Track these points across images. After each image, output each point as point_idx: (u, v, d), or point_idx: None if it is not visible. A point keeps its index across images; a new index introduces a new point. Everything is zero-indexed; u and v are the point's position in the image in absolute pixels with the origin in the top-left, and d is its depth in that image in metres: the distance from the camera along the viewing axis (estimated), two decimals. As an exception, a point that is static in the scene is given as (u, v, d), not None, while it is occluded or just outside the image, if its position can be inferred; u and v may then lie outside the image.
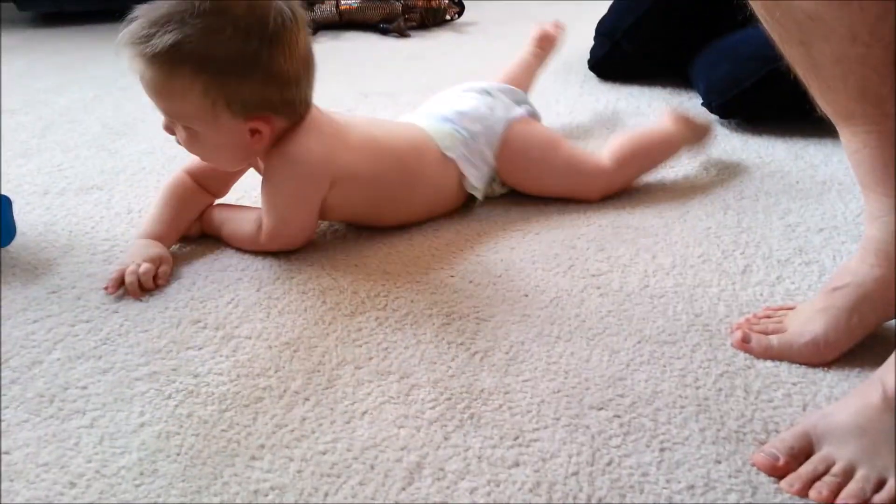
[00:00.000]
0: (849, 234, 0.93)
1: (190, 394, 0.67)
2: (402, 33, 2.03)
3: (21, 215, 0.98)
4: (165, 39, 0.77)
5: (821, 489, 0.56)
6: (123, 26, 0.79)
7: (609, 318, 0.77)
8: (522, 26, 2.12)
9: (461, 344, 0.73)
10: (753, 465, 0.59)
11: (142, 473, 0.59)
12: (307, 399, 0.66)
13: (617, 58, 1.52)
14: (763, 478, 0.58)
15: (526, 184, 1.03)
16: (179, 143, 0.86)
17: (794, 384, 0.68)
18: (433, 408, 0.65)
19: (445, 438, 0.62)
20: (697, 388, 0.67)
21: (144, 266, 0.83)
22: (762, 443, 0.61)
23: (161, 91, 0.80)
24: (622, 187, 1.04)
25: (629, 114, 1.37)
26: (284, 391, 0.67)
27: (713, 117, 1.31)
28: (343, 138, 0.89)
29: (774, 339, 0.71)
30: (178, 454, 0.60)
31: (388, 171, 0.92)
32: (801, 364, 0.70)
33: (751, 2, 0.65)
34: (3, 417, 0.65)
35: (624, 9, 1.50)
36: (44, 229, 0.97)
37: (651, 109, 1.38)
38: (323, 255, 0.90)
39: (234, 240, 0.91)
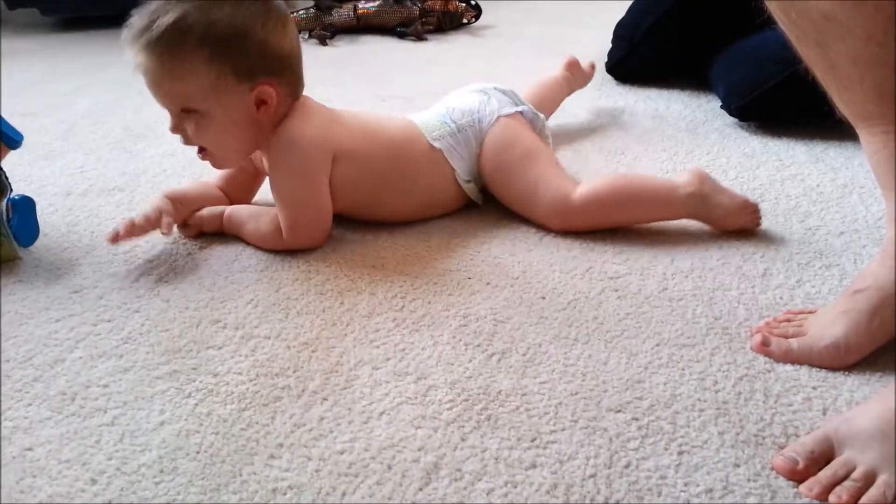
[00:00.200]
0: (870, 238, 0.92)
1: (209, 393, 0.68)
2: (419, 37, 2.03)
3: (44, 216, 0.99)
4: (166, 20, 0.81)
5: (841, 494, 0.56)
6: (123, 29, 0.84)
7: (627, 320, 0.77)
8: (539, 29, 2.14)
9: (478, 345, 0.74)
10: (772, 469, 0.59)
11: (162, 471, 0.59)
12: (325, 399, 0.67)
13: (635, 60, 1.51)
14: (782, 482, 0.58)
15: (495, 186, 0.99)
16: (188, 142, 0.88)
17: (814, 388, 0.67)
18: (450, 409, 0.65)
19: (462, 439, 0.62)
20: (716, 391, 0.67)
21: (139, 217, 0.88)
22: (781, 447, 0.61)
23: (167, 73, 0.83)
24: (588, 228, 0.93)
25: (647, 116, 1.36)
26: (303, 391, 0.68)
27: (732, 120, 1.31)
28: (337, 119, 0.94)
29: (794, 343, 0.71)
30: (197, 452, 0.61)
31: (382, 155, 0.94)
32: (821, 368, 0.70)
33: (767, 3, 0.65)
34: (26, 415, 0.65)
35: (642, 11, 1.49)
36: (66, 230, 0.98)
37: (669, 112, 1.38)
38: (340, 256, 0.90)
39: (256, 239, 0.92)
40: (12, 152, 0.90)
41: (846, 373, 0.69)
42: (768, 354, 0.71)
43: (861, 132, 0.67)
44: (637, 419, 0.64)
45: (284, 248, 0.90)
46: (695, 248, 0.91)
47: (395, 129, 0.98)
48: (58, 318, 0.79)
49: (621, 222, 0.95)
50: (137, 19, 0.83)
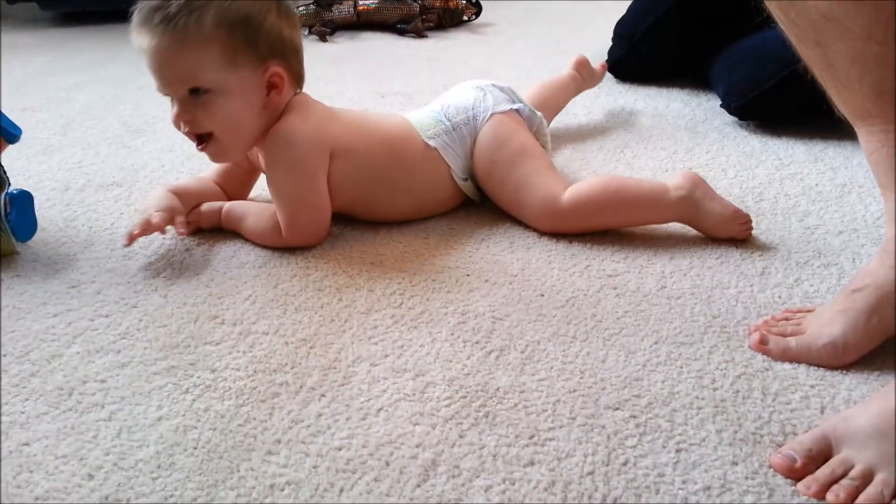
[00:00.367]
0: (868, 237, 0.92)
1: (207, 388, 0.67)
2: (419, 34, 2.03)
3: (42, 211, 0.99)
4: None
5: (838, 492, 0.56)
6: (133, 14, 0.84)
7: (626, 318, 0.77)
8: (539, 27, 2.14)
9: (476, 342, 0.73)
10: (770, 467, 0.59)
11: (159, 466, 0.59)
12: (323, 395, 0.67)
13: (635, 59, 1.51)
14: (780, 480, 0.58)
15: (487, 184, 0.98)
16: (192, 129, 0.87)
17: (812, 387, 0.67)
18: (448, 406, 0.65)
19: (460, 436, 0.62)
20: (715, 389, 0.67)
21: (157, 214, 0.88)
22: (779, 445, 0.61)
23: (182, 48, 0.83)
24: (578, 231, 0.93)
25: (647, 115, 1.36)
26: (300, 387, 0.68)
27: (732, 119, 1.31)
28: (333, 115, 0.94)
29: (793, 342, 0.71)
30: (195, 448, 0.61)
31: (379, 152, 0.94)
32: (819, 366, 0.70)
33: (766, 3, 0.65)
34: (22, 409, 0.65)
35: (642, 10, 1.49)
36: (64, 225, 0.98)
37: (669, 111, 1.38)
38: (339, 253, 0.90)
39: (254, 235, 0.92)
40: (11, 147, 0.90)
41: (844, 371, 0.69)
42: (766, 353, 0.71)
43: (860, 131, 0.67)
44: (635, 417, 0.64)
45: (283, 245, 0.90)
46: (693, 246, 0.91)
47: (391, 127, 0.98)
48: (55, 313, 0.79)
49: (611, 225, 0.94)
50: (149, 1, 0.84)
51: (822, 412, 0.64)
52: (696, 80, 1.48)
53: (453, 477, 0.58)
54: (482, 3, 2.20)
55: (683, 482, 0.57)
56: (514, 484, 0.57)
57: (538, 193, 0.93)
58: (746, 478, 0.58)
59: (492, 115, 0.98)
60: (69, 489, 0.57)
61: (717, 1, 1.38)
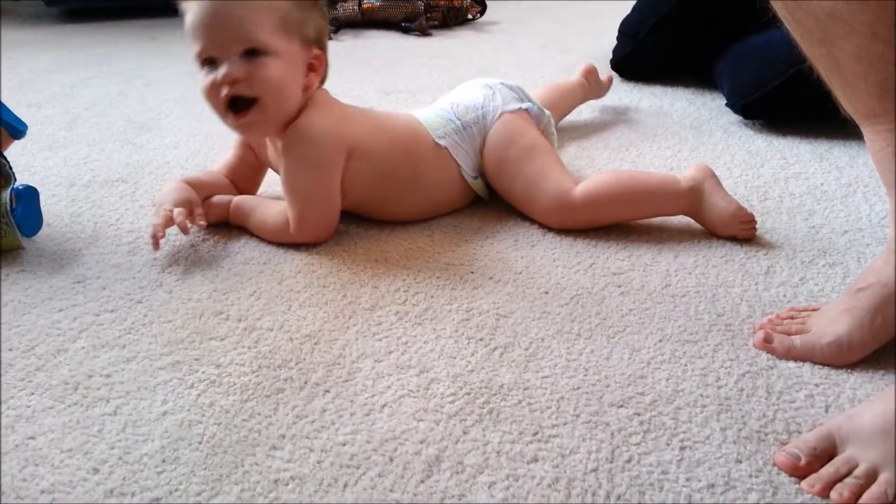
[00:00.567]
0: (873, 237, 0.92)
1: (212, 384, 0.68)
2: (423, 32, 2.03)
3: (47, 206, 0.99)
4: None
5: (842, 491, 0.56)
6: None
7: (630, 316, 0.77)
8: (544, 26, 2.14)
9: (481, 339, 0.74)
10: (775, 464, 0.59)
11: (164, 461, 0.59)
12: (327, 391, 0.67)
13: (639, 57, 1.51)
14: (784, 478, 0.58)
15: (497, 182, 0.98)
16: (234, 93, 0.84)
17: (816, 385, 0.67)
18: (452, 402, 0.65)
19: (464, 432, 0.62)
20: (719, 387, 0.67)
21: (177, 211, 0.88)
22: (784, 443, 0.61)
23: (249, 6, 0.83)
24: (589, 225, 0.93)
25: (651, 114, 1.36)
26: (305, 383, 0.68)
27: (736, 118, 1.31)
28: (352, 115, 0.94)
29: (797, 340, 0.71)
30: (199, 443, 0.61)
31: (394, 152, 0.94)
32: (824, 365, 0.70)
33: (772, 2, 0.65)
34: (28, 404, 0.65)
35: (647, 8, 1.49)
36: (69, 220, 0.98)
37: (674, 109, 1.37)
38: (344, 249, 0.90)
39: (261, 230, 0.92)
40: (16, 142, 0.91)
41: (849, 370, 0.69)
42: (771, 351, 0.71)
43: (865, 130, 0.67)
44: (639, 414, 0.64)
45: (290, 241, 0.90)
46: (698, 244, 0.91)
47: (403, 126, 0.98)
48: (61, 308, 0.79)
49: (622, 218, 0.95)
50: None
51: (826, 411, 0.64)
52: (701, 79, 1.48)
53: (457, 473, 0.58)
54: (487, 1, 2.20)
55: (687, 479, 0.57)
56: (517, 480, 0.57)
57: (550, 188, 0.93)
58: (750, 475, 0.58)
59: (501, 114, 0.98)
60: (74, 483, 0.57)
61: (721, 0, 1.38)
